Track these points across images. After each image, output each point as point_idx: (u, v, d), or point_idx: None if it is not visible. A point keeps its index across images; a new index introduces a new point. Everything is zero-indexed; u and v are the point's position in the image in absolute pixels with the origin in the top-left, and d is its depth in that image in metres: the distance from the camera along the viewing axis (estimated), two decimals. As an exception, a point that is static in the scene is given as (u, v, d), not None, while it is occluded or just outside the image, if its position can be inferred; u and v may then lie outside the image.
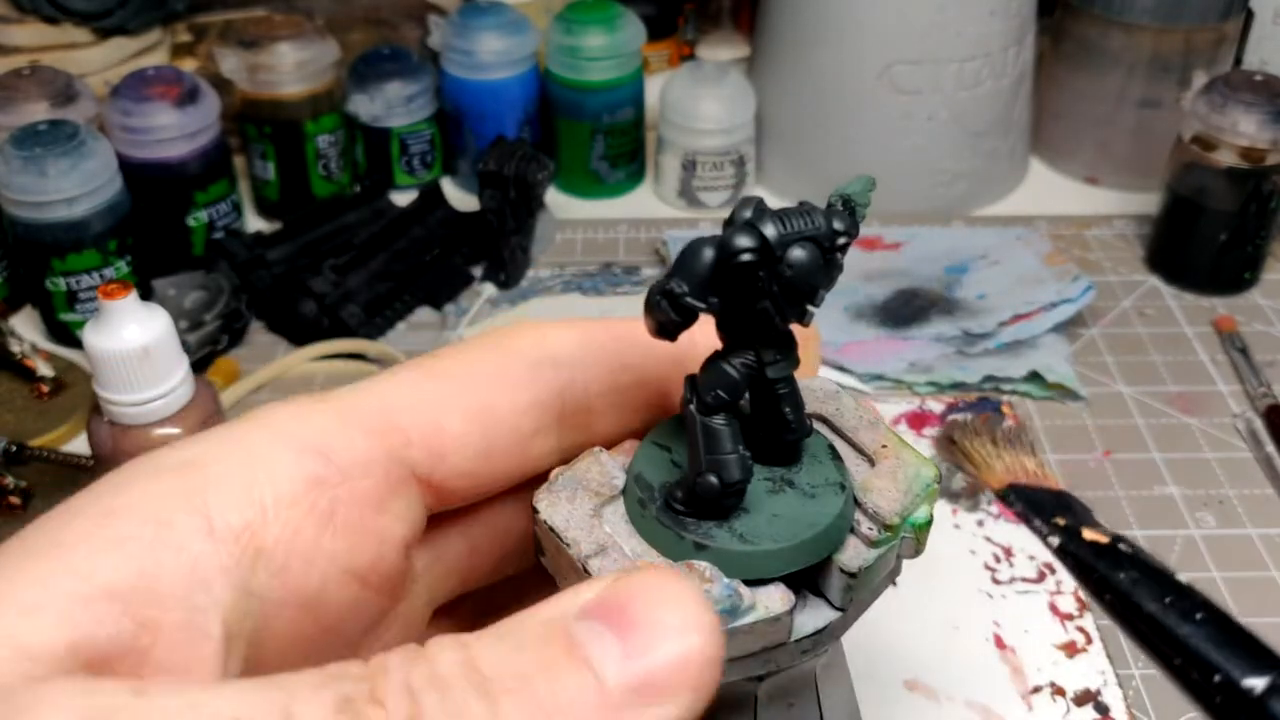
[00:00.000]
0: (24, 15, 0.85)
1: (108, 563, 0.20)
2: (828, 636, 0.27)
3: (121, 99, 0.76)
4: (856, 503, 0.27)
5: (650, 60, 0.95)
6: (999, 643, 0.54)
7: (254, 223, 0.87)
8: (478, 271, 0.80)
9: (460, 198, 0.88)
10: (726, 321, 0.26)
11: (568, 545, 0.26)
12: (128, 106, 0.75)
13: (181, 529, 0.21)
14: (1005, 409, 0.68)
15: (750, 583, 0.25)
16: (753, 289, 0.24)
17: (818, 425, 0.29)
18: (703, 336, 0.26)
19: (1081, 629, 0.55)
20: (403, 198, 0.85)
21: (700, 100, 0.85)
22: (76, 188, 0.69)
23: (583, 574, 0.25)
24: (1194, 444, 0.67)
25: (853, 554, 0.27)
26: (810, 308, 0.25)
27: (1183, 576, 0.57)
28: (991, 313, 0.74)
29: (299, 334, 0.74)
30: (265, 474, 0.22)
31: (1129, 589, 0.24)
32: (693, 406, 0.26)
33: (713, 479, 0.25)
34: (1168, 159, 0.78)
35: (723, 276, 0.24)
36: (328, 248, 0.79)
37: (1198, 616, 0.23)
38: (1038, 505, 0.28)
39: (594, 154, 0.88)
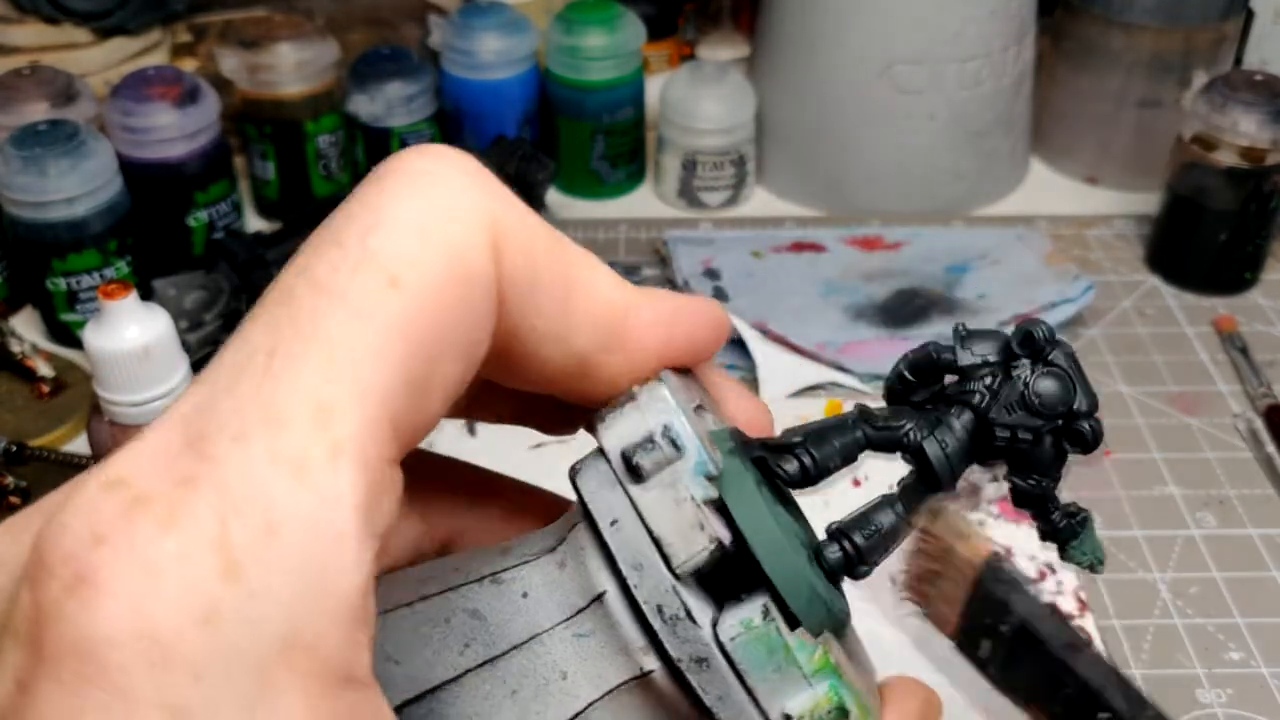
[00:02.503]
0: (24, 15, 0.85)
1: None
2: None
3: (121, 99, 0.76)
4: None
5: (650, 60, 0.95)
6: (999, 643, 0.54)
7: (254, 223, 0.87)
8: (478, 271, 0.80)
9: (460, 198, 0.88)
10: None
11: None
12: (128, 106, 0.75)
13: None
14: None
15: (721, 511, 0.22)
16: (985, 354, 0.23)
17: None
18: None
19: (1082, 629, 0.55)
20: (403, 198, 0.85)
21: (700, 100, 0.85)
22: (76, 188, 0.69)
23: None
24: (1194, 444, 0.66)
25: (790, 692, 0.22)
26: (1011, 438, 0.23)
27: (1184, 576, 0.56)
28: (992, 312, 0.74)
29: (299, 334, 0.74)
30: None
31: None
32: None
33: (798, 437, 0.24)
34: (1168, 159, 0.78)
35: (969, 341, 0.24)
36: (328, 248, 0.79)
37: None
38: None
39: (594, 154, 0.88)
